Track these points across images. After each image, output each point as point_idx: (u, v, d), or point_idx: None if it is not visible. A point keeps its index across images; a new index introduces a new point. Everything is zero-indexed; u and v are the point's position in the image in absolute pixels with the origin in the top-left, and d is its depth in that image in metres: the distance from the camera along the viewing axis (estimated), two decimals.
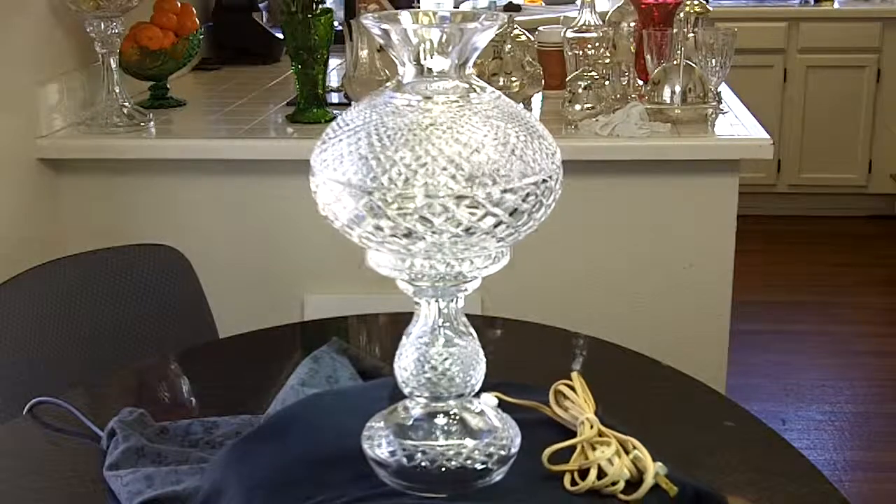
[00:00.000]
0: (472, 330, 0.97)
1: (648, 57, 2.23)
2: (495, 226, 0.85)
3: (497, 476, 0.97)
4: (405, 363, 0.96)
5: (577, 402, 1.06)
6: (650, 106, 2.11)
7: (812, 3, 4.61)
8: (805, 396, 3.12)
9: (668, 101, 2.12)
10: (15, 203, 2.02)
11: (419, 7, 3.30)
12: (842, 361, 3.35)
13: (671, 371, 1.36)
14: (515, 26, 2.35)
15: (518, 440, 0.98)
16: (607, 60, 2.21)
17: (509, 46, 2.23)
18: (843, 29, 4.47)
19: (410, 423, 0.97)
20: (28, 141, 2.07)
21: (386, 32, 0.87)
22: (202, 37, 2.52)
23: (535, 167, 0.86)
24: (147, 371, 1.47)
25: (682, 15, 2.34)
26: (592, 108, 2.11)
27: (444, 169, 0.83)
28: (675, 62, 2.13)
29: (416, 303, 0.95)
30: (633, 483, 0.97)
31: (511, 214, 0.86)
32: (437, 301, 0.94)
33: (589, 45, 2.17)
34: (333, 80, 2.65)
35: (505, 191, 0.84)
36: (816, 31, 4.48)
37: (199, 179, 2.14)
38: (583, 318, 1.79)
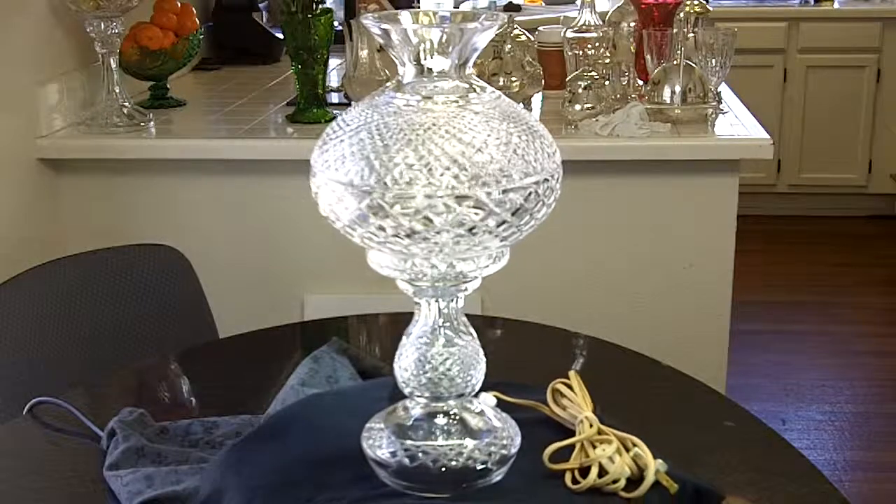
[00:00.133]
0: (472, 330, 0.97)
1: (648, 57, 2.23)
2: (498, 225, 0.85)
3: (497, 476, 0.97)
4: (405, 363, 0.96)
5: (575, 401, 1.06)
6: (650, 106, 2.11)
7: (812, 3, 4.61)
8: (805, 396, 3.12)
9: (668, 101, 2.12)
10: (15, 203, 2.02)
11: (419, 7, 3.30)
12: (842, 361, 3.35)
13: (671, 371, 1.36)
14: (515, 26, 2.35)
15: (518, 440, 0.98)
16: (607, 60, 2.21)
17: (509, 46, 2.23)
18: (843, 29, 4.47)
19: (410, 423, 0.97)
20: (28, 141, 2.07)
21: (386, 32, 0.87)
22: (202, 37, 2.52)
23: (535, 167, 0.86)
24: (147, 371, 1.47)
25: (682, 15, 2.34)
26: (592, 108, 2.11)
27: (447, 169, 0.83)
28: (675, 62, 2.13)
29: (416, 303, 0.95)
30: (634, 480, 0.97)
31: (513, 214, 0.86)
32: (437, 301, 0.94)
33: (589, 45, 2.17)
34: (333, 80, 2.65)
35: (505, 191, 0.84)
36: (816, 31, 4.48)
37: (199, 179, 2.14)
38: (583, 318, 1.79)
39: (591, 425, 1.01)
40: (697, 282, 2.10)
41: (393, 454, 0.95)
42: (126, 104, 2.18)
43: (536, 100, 2.39)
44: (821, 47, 4.49)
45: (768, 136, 2.04)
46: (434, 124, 0.85)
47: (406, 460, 0.94)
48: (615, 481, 0.96)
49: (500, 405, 1.05)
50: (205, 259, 1.86)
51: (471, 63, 0.90)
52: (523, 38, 2.37)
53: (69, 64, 2.22)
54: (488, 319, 1.72)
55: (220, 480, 1.01)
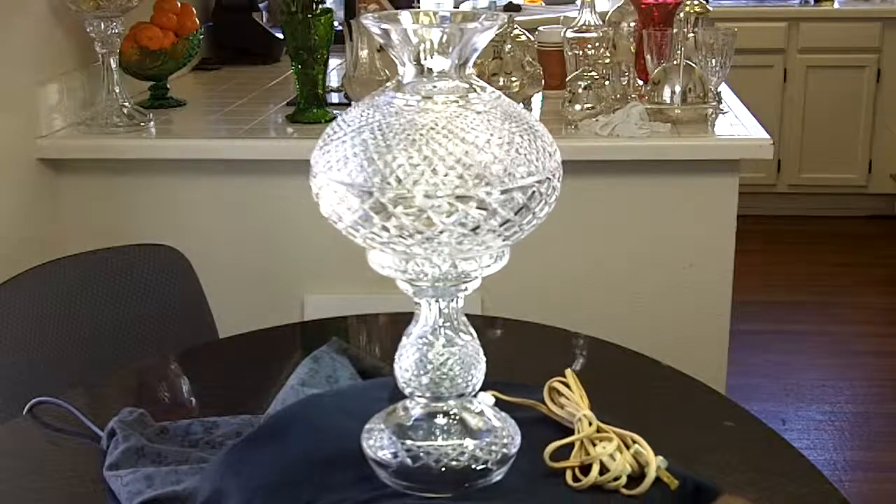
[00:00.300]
0: (472, 330, 0.97)
1: (648, 57, 2.23)
2: (501, 224, 0.85)
3: (497, 476, 0.97)
4: (405, 363, 0.96)
5: (572, 399, 1.06)
6: (650, 106, 2.11)
7: (812, 3, 4.61)
8: (805, 396, 3.12)
9: (668, 101, 2.12)
10: (15, 203, 2.02)
11: (419, 7, 3.30)
12: (842, 361, 3.35)
13: (671, 371, 1.36)
14: (515, 26, 2.35)
15: (518, 439, 0.98)
16: (607, 60, 2.21)
17: (509, 46, 2.23)
18: (843, 29, 4.47)
19: (410, 423, 0.97)
20: (28, 141, 2.07)
21: (386, 32, 0.87)
22: (202, 37, 2.52)
23: (538, 166, 0.86)
24: (147, 371, 1.47)
25: (682, 15, 2.34)
26: (592, 108, 2.11)
27: (451, 168, 0.83)
28: (675, 62, 2.13)
29: (417, 303, 0.95)
30: (635, 477, 0.97)
31: (515, 213, 0.86)
32: (437, 301, 0.94)
33: (589, 45, 2.17)
34: (333, 80, 2.65)
35: (508, 190, 0.84)
36: (816, 31, 4.48)
37: (199, 179, 2.14)
38: (583, 318, 1.79)
39: (590, 423, 1.01)
40: (697, 282, 2.10)
41: (393, 454, 0.95)
42: (126, 104, 2.18)
43: (536, 100, 2.39)
44: (821, 47, 4.49)
45: (768, 136, 2.04)
46: (436, 124, 0.85)
47: (406, 460, 0.94)
48: (616, 479, 0.96)
49: (498, 404, 1.05)
50: (205, 259, 1.86)
51: (471, 63, 0.90)
52: (523, 38, 2.37)
53: (69, 64, 2.22)
54: (488, 319, 1.72)
55: (220, 481, 1.01)
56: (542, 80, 2.32)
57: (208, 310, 1.76)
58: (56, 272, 1.66)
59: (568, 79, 2.20)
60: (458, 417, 0.97)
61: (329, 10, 2.19)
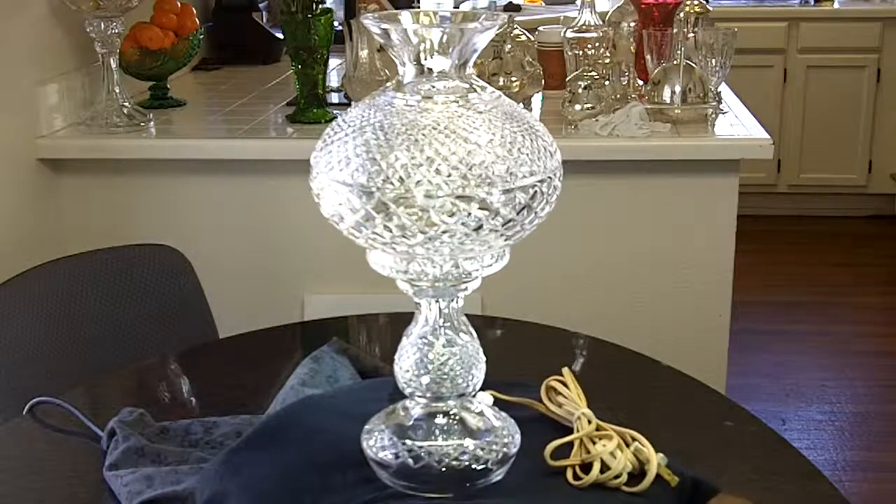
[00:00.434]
0: (472, 330, 0.97)
1: (648, 57, 2.23)
2: (504, 224, 0.85)
3: (497, 476, 0.97)
4: (405, 363, 0.96)
5: (570, 398, 1.06)
6: (650, 106, 2.11)
7: (812, 3, 4.61)
8: (805, 396, 3.12)
9: (668, 101, 2.12)
10: (15, 203, 2.02)
11: (419, 7, 3.30)
12: (842, 361, 3.35)
13: (671, 371, 1.36)
14: (515, 26, 2.35)
15: (518, 439, 0.98)
16: (607, 60, 2.21)
17: (509, 46, 2.23)
18: (843, 29, 4.47)
19: (410, 423, 0.97)
20: (28, 141, 2.07)
21: (386, 32, 0.87)
22: (202, 37, 2.52)
23: (539, 165, 0.86)
24: (147, 371, 1.47)
25: (682, 15, 2.34)
26: (592, 108, 2.11)
27: (454, 168, 0.83)
28: (675, 62, 2.13)
29: (417, 303, 0.95)
30: (635, 475, 0.97)
31: (518, 213, 0.86)
32: (437, 301, 0.94)
33: (589, 45, 2.17)
34: (333, 80, 2.65)
35: (510, 189, 0.84)
36: (816, 31, 4.48)
37: (199, 179, 2.14)
38: (583, 318, 1.79)
39: (589, 422, 1.01)
40: (697, 282, 2.10)
41: (393, 455, 0.95)
42: (126, 104, 2.18)
43: (536, 100, 2.39)
44: (821, 47, 4.49)
45: (768, 136, 2.04)
46: (438, 124, 0.85)
47: (406, 461, 0.94)
48: (617, 476, 0.96)
49: (495, 403, 1.05)
50: (205, 259, 1.86)
51: (471, 63, 0.90)
52: (523, 38, 2.37)
53: (69, 64, 2.22)
54: (488, 319, 1.71)
55: (221, 484, 1.00)
56: (542, 80, 2.32)
57: (208, 310, 1.76)
58: (56, 272, 1.65)
59: (568, 79, 2.20)
60: (458, 417, 0.97)
61: (329, 10, 2.19)
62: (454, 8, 3.45)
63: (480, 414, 0.99)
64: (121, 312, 1.69)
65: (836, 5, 4.60)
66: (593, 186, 2.07)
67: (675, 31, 2.19)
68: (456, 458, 0.94)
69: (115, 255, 1.72)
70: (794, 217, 4.66)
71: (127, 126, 2.16)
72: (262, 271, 2.17)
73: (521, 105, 1.11)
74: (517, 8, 4.11)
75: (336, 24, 2.42)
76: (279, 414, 1.14)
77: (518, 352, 1.48)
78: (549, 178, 0.88)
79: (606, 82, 2.17)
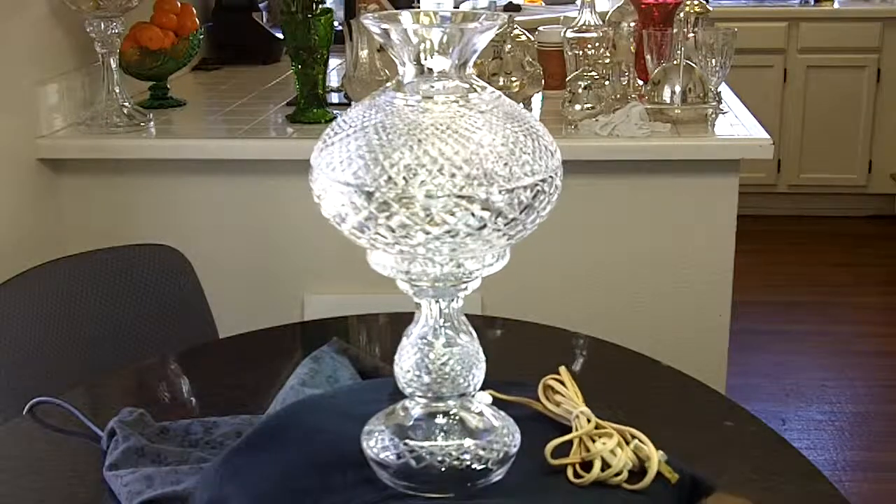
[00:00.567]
0: (472, 330, 0.97)
1: (648, 57, 2.23)
2: (507, 223, 0.85)
3: (496, 476, 0.97)
4: (405, 363, 0.96)
5: (568, 396, 1.06)
6: (650, 106, 2.11)
7: (812, 3, 4.61)
8: (805, 396, 3.12)
9: (668, 101, 2.12)
10: (15, 203, 2.02)
11: (419, 7, 3.30)
12: (842, 361, 3.35)
13: (671, 371, 1.36)
14: (515, 26, 2.35)
15: (518, 439, 0.98)
16: (607, 60, 2.21)
17: (509, 46, 2.23)
18: (843, 29, 4.47)
19: (410, 423, 0.97)
20: (28, 141, 2.07)
21: (386, 32, 0.87)
22: (202, 37, 2.52)
23: (541, 165, 0.87)
24: (147, 371, 1.47)
25: (682, 15, 2.34)
26: (592, 108, 2.11)
27: (458, 168, 0.83)
28: (675, 62, 2.13)
29: (417, 303, 0.95)
30: (635, 472, 0.98)
31: (521, 212, 0.86)
32: (437, 301, 0.94)
33: (589, 45, 2.17)
34: (333, 80, 2.65)
35: (513, 189, 0.84)
36: (816, 31, 4.48)
37: (199, 179, 2.14)
38: (583, 318, 1.79)
39: (588, 420, 1.01)
40: (697, 282, 2.10)
41: (393, 455, 0.95)
42: (126, 104, 2.18)
43: (536, 100, 2.39)
44: (821, 47, 4.49)
45: (768, 136, 2.04)
46: (440, 124, 0.85)
47: (406, 461, 0.94)
48: (618, 474, 0.97)
49: (493, 403, 1.05)
50: (205, 259, 1.86)
51: (471, 63, 0.90)
52: (523, 38, 2.37)
53: (69, 64, 2.22)
54: (488, 319, 1.72)
55: (221, 488, 1.00)
56: (542, 80, 2.32)
57: (208, 310, 1.76)
58: (56, 272, 1.65)
59: (568, 79, 2.20)
60: (457, 417, 0.97)
61: (329, 10, 2.19)
62: (454, 8, 3.45)
63: (480, 414, 0.99)
64: (121, 312, 1.69)
65: (836, 5, 4.60)
66: (593, 186, 2.07)
67: (675, 31, 2.19)
68: (457, 459, 0.94)
69: (115, 255, 1.72)
70: (794, 217, 4.66)
71: (127, 126, 2.16)
72: (262, 271, 2.17)
73: (521, 105, 1.10)
74: (517, 8, 4.11)
75: (336, 24, 2.42)
76: (279, 414, 1.14)
77: (518, 352, 1.48)
78: (551, 177, 0.88)
79: (606, 82, 2.17)
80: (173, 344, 1.64)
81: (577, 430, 1.01)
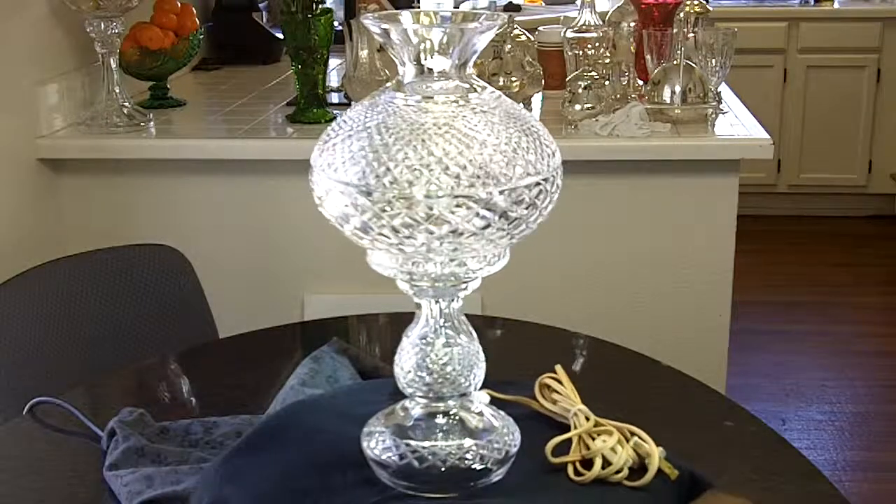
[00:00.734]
0: (472, 330, 0.97)
1: (648, 57, 2.23)
2: (510, 223, 0.85)
3: (497, 476, 0.97)
4: (405, 363, 0.96)
5: (564, 394, 1.06)
6: (650, 106, 2.11)
7: (812, 3, 4.61)
8: (805, 396, 3.12)
9: (668, 101, 2.12)
10: (15, 203, 2.02)
11: (419, 7, 3.30)
12: (842, 361, 3.35)
13: (671, 371, 1.36)
14: (515, 26, 2.35)
15: (518, 438, 0.98)
16: (607, 60, 2.21)
17: (509, 46, 2.23)
18: (843, 29, 4.47)
19: (410, 423, 0.97)
20: (28, 141, 2.07)
21: (386, 32, 0.87)
22: (202, 37, 2.52)
23: (543, 164, 0.87)
24: (147, 371, 1.47)
25: (682, 15, 2.34)
26: (592, 108, 2.11)
27: (458, 168, 0.83)
28: (675, 62, 2.13)
29: (417, 303, 0.95)
30: (635, 469, 0.98)
31: (525, 210, 0.86)
32: (437, 301, 0.94)
33: (589, 45, 2.17)
34: (333, 80, 2.65)
35: (511, 189, 0.84)
36: (816, 31, 4.48)
37: (199, 179, 2.14)
38: (583, 318, 1.79)
39: (587, 418, 1.01)
40: (697, 282, 2.10)
41: (393, 455, 0.95)
42: (126, 104, 2.18)
43: (536, 100, 2.39)
44: (821, 47, 4.49)
45: (768, 136, 2.04)
46: (442, 124, 0.85)
47: (406, 461, 0.94)
48: (619, 471, 0.97)
49: (490, 402, 1.05)
50: (205, 259, 1.86)
51: (471, 63, 0.90)
52: (523, 38, 2.37)
53: (69, 64, 2.22)
54: (488, 319, 1.72)
55: (221, 489, 1.00)
56: (542, 80, 2.32)
57: (208, 310, 1.76)
58: (56, 272, 1.65)
59: (568, 79, 2.20)
60: (457, 417, 0.97)
61: (329, 10, 2.19)
62: (454, 8, 3.45)
63: (480, 414, 0.99)
64: (121, 312, 1.69)
65: (836, 5, 4.60)
66: (593, 186, 2.07)
67: (675, 31, 2.19)
68: (456, 459, 0.94)
69: (115, 255, 1.72)
70: (794, 217, 4.66)
71: (127, 126, 2.16)
72: (262, 271, 2.17)
73: (521, 105, 1.10)
74: (517, 8, 4.11)
75: (336, 24, 2.42)
76: (279, 414, 1.14)
77: (518, 352, 1.48)
78: (553, 175, 0.88)
79: (606, 82, 2.17)
80: (173, 344, 1.64)
81: (575, 428, 1.01)
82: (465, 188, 0.83)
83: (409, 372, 0.96)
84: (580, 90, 2.12)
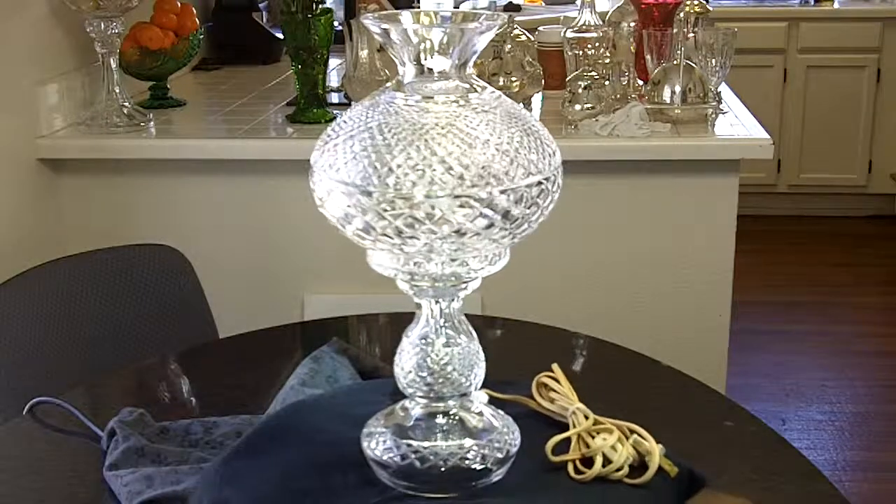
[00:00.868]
0: (472, 330, 0.97)
1: (648, 57, 2.23)
2: (512, 222, 0.85)
3: (497, 475, 0.97)
4: (405, 363, 0.96)
5: (562, 393, 1.06)
6: (650, 106, 2.11)
7: (812, 3, 4.61)
8: (805, 396, 3.12)
9: (668, 101, 2.12)
10: (15, 203, 2.02)
11: (419, 7, 3.30)
12: (842, 361, 3.35)
13: (671, 371, 1.36)
14: (515, 26, 2.35)
15: (518, 438, 0.98)
16: (607, 60, 2.21)
17: (509, 46, 2.23)
18: (843, 29, 4.47)
19: (410, 423, 0.97)
20: (28, 141, 2.07)
21: (386, 32, 0.87)
22: (202, 37, 2.52)
23: (544, 164, 0.87)
24: (147, 371, 1.47)
25: (682, 15, 2.34)
26: (592, 108, 2.11)
27: (461, 168, 0.83)
28: (675, 62, 2.13)
29: (417, 303, 0.95)
30: (635, 467, 0.98)
31: (527, 209, 0.86)
32: (437, 301, 0.94)
33: (589, 45, 2.17)
34: (333, 80, 2.65)
35: (513, 189, 0.84)
36: (816, 31, 4.48)
37: (199, 179, 2.14)
38: (583, 318, 1.79)
39: (586, 416, 1.01)
40: (697, 282, 2.10)
41: (393, 455, 0.95)
42: (126, 104, 2.18)
43: (536, 100, 2.39)
44: (821, 47, 4.49)
45: (768, 136, 2.04)
46: (443, 124, 0.85)
47: (406, 461, 0.94)
48: (619, 469, 0.97)
49: (488, 402, 1.05)
50: (205, 259, 1.86)
51: (471, 63, 0.90)
52: (523, 38, 2.37)
53: (69, 64, 2.22)
54: (488, 319, 1.71)
55: (221, 490, 0.99)
56: (542, 80, 2.32)
57: (208, 310, 1.76)
58: (56, 272, 1.65)
59: (568, 79, 2.20)
60: (457, 417, 0.97)
61: (329, 10, 2.19)
62: (454, 8, 3.45)
63: (480, 414, 0.99)
64: (121, 312, 1.69)
65: (836, 5, 4.60)
66: (593, 186, 2.07)
67: (675, 31, 2.19)
68: (456, 459, 0.94)
69: (115, 255, 1.72)
70: (794, 217, 4.66)
71: (127, 126, 2.16)
72: (262, 271, 2.17)
73: (521, 105, 1.11)
74: (517, 8, 4.11)
75: (336, 24, 2.42)
76: (279, 414, 1.14)
77: (518, 352, 1.48)
78: (554, 175, 0.88)
79: (606, 82, 2.17)
80: (173, 344, 1.64)
81: (574, 426, 1.01)
82: (467, 188, 0.83)
83: (410, 372, 0.96)
84: (580, 90, 2.12)
